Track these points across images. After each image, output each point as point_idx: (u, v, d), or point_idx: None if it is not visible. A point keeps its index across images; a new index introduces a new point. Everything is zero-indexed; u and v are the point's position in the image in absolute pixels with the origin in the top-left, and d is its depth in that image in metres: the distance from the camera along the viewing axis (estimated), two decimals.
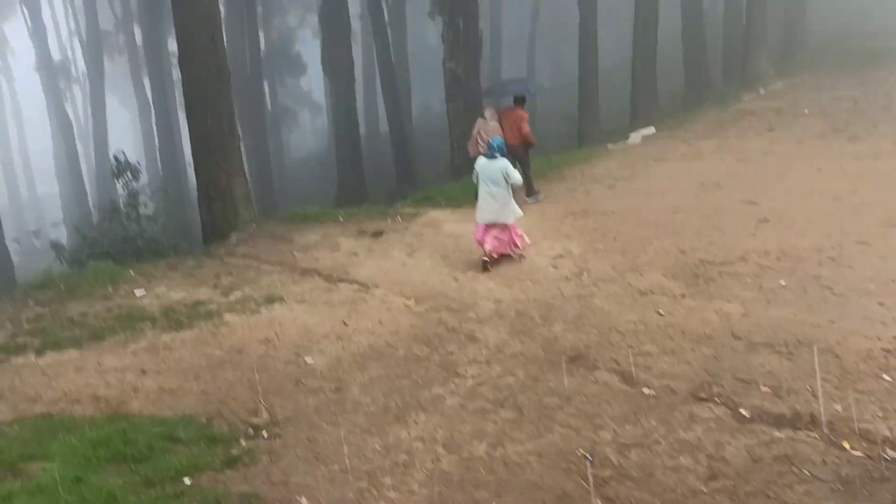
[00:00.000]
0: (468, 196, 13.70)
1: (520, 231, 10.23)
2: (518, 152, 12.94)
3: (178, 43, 11.92)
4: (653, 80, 23.29)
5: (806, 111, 18.83)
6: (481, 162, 10.26)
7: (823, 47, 29.59)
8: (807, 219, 10.74)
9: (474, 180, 10.30)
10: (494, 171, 9.98)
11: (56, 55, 49.87)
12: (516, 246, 10.20)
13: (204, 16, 11.70)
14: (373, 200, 21.00)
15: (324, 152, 47.96)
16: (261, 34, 41.43)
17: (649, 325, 7.79)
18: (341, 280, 9.83)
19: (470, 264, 10.08)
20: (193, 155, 12.32)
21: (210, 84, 11.77)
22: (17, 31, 54.69)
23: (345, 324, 8.32)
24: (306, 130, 59.30)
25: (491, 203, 9.95)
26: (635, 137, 18.46)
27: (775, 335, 7.28)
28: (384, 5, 30.43)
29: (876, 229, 10.04)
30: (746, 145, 16.02)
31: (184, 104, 12.28)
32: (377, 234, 11.64)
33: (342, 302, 9.01)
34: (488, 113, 13.31)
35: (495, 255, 10.01)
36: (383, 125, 41.42)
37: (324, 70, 26.80)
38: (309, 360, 7.48)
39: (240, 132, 12.50)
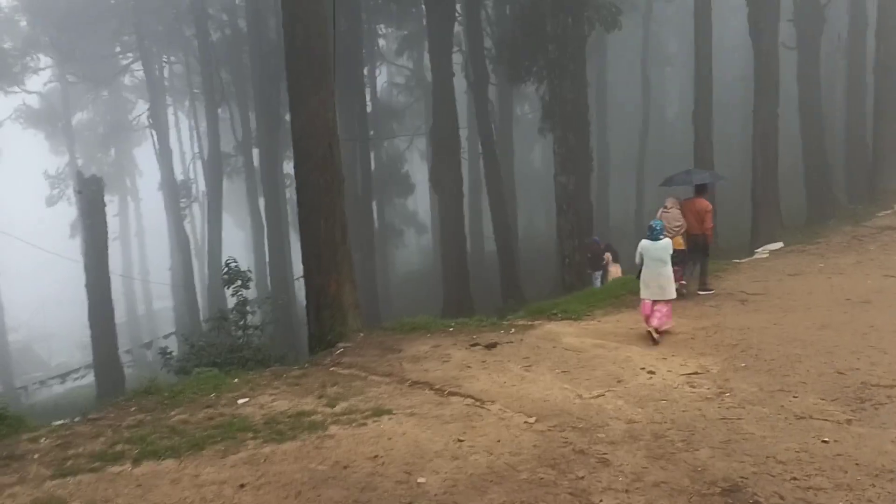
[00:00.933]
0: (586, 308, 12.97)
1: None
2: (699, 242, 13.42)
3: (294, 151, 11.97)
4: (775, 195, 22.30)
5: None
6: (645, 243, 11.14)
7: None
8: None
9: (637, 262, 11.29)
10: (660, 251, 11.00)
11: (179, 176, 52.93)
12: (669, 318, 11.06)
13: (322, 124, 11.74)
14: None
15: (429, 270, 48.30)
16: (371, 154, 42.85)
17: (814, 454, 6.66)
18: (453, 394, 9.09)
19: (595, 380, 9.19)
20: (304, 263, 12.12)
21: (325, 191, 11.67)
22: (146, 153, 58.86)
23: (459, 441, 7.53)
24: (412, 249, 60.20)
25: (657, 280, 10.93)
26: (763, 252, 17.34)
27: None
28: (493, 125, 30.81)
29: None
30: (892, 261, 14.67)
31: (297, 214, 12.20)
32: (491, 345, 10.93)
33: (455, 417, 8.24)
34: (669, 202, 13.46)
35: (660, 331, 10.73)
36: (488, 245, 41.70)
37: (433, 187, 27.06)
38: (421, 480, 6.70)
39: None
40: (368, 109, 41.05)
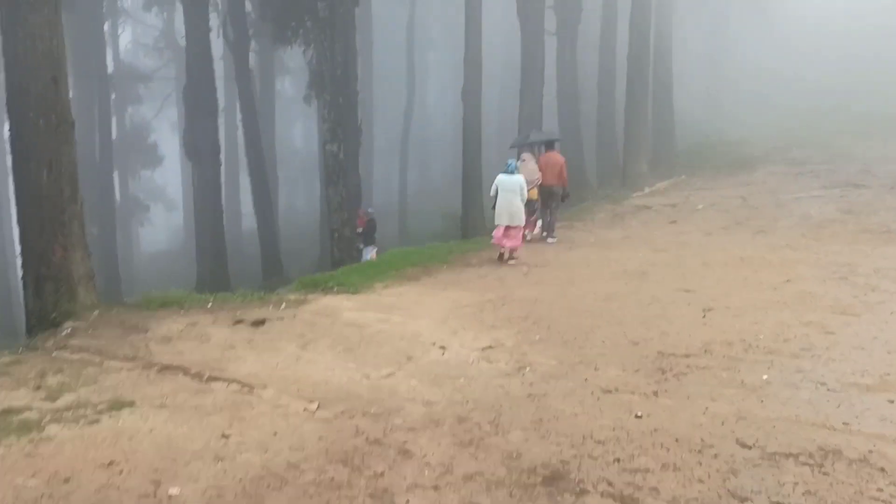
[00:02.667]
0: (365, 281, 11.86)
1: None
2: (555, 192, 15.17)
3: (6, 81, 9.50)
4: None
5: (700, 206, 18.47)
6: (502, 177, 13.28)
7: (692, 152, 30.52)
8: (753, 307, 9.55)
9: (492, 194, 13.40)
10: (514, 184, 13.19)
11: None
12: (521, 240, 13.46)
13: (46, 51, 9.42)
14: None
15: (179, 250, 44.71)
16: (113, 120, 38.64)
17: (631, 431, 6.04)
18: (215, 379, 7.50)
19: (383, 358, 8.05)
20: (20, 223, 9.70)
21: (47, 134, 9.37)
22: None
23: (225, 437, 6.02)
24: (159, 227, 55.53)
25: (509, 208, 13.06)
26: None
27: (790, 442, 5.72)
28: (253, 92, 28.65)
29: (833, 318, 8.97)
30: (654, 235, 15.14)
31: (11, 161, 9.73)
32: (258, 322, 9.40)
33: (219, 407, 6.69)
34: (525, 156, 15.21)
35: (513, 252, 13.20)
36: (246, 222, 39.26)
37: (186, 153, 24.45)
38: (174, 490, 5.13)
39: (82, 197, 10.02)
40: (109, 70, 36.83)
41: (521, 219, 13.16)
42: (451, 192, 42.91)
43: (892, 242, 13.37)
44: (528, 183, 13.94)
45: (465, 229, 23.02)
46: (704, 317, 9.25)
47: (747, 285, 10.74)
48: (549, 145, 16.05)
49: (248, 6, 27.02)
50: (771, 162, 26.16)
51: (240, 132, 31.74)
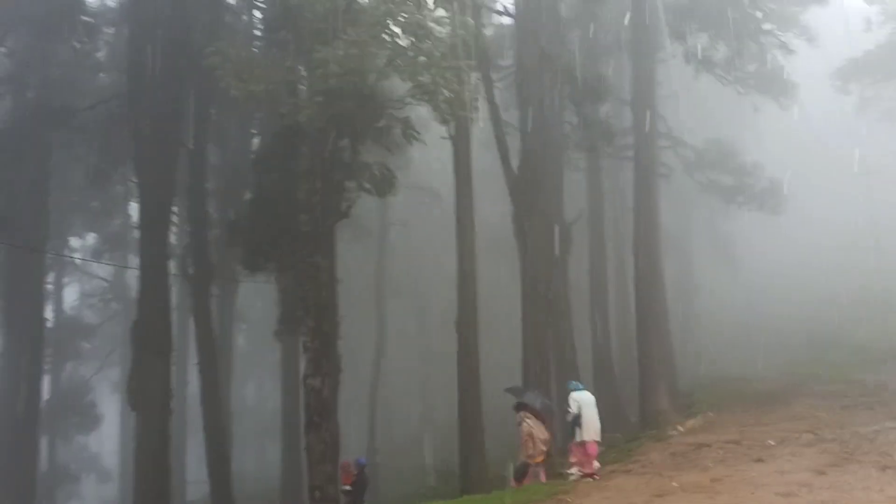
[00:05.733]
0: None
1: None
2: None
3: None
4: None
5: (771, 442, 15.06)
6: (578, 394, 13.60)
7: (699, 388, 27.75)
8: None
9: (574, 410, 13.35)
10: (591, 398, 13.70)
11: None
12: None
13: None
14: None
15: None
16: (47, 379, 34.64)
17: None
18: None
19: None
20: None
21: None
22: None
23: None
24: (89, 501, 48.75)
25: (596, 425, 13.32)
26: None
27: None
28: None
29: None
30: (752, 477, 11.54)
31: None
32: None
33: None
34: (528, 414, 13.89)
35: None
36: (192, 494, 34.16)
37: (129, 400, 20.39)
38: None
39: None
40: (49, 324, 33.43)
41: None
42: (421, 448, 38.91)
43: None
44: (542, 441, 13.66)
45: (466, 484, 19.09)
46: None
47: None
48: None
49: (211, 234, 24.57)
50: (801, 395, 23.28)
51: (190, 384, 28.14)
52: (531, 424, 13.59)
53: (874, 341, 33.57)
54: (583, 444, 13.17)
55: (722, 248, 49.11)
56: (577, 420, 13.24)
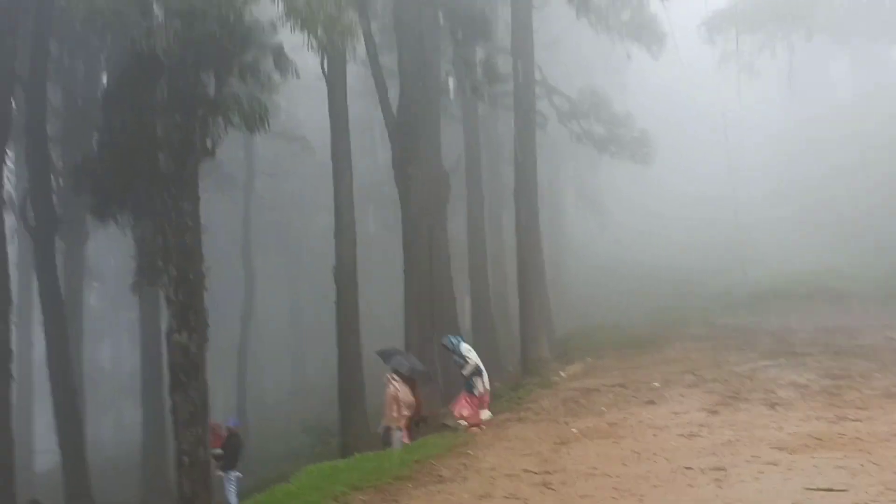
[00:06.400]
0: None
1: None
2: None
3: None
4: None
5: (656, 384, 15.00)
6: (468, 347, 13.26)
7: (572, 336, 27.97)
8: None
9: (475, 361, 12.78)
10: None
11: None
12: None
13: None
14: None
15: None
16: None
17: None
18: None
19: None
20: None
21: None
22: None
23: None
24: None
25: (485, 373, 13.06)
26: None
27: None
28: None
29: None
30: (653, 420, 11.25)
31: None
32: None
33: None
34: (396, 377, 12.95)
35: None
36: (41, 464, 31.53)
37: None
38: None
39: None
40: None
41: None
42: (295, 407, 37.65)
43: None
44: (406, 406, 12.72)
45: (347, 441, 18.28)
46: None
47: None
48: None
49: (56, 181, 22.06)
50: (673, 340, 23.75)
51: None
52: (397, 388, 12.81)
53: (733, 288, 35.23)
54: (481, 395, 12.63)
55: (591, 199, 50.11)
56: (478, 371, 12.59)
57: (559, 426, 11.48)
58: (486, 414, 14.18)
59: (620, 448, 9.29)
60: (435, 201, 21.83)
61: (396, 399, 12.68)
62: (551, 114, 31.21)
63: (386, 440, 13.01)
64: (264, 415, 37.12)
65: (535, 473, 8.31)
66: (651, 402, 12.88)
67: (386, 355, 14.80)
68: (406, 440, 12.56)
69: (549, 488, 7.67)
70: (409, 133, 20.04)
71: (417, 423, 13.52)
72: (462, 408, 12.75)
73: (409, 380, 13.27)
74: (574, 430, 10.95)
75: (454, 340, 12.99)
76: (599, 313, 35.20)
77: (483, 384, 12.77)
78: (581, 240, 49.30)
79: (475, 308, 26.94)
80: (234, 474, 14.07)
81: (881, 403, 10.82)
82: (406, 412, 12.79)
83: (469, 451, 9.80)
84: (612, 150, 31.92)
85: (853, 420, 9.73)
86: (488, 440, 10.73)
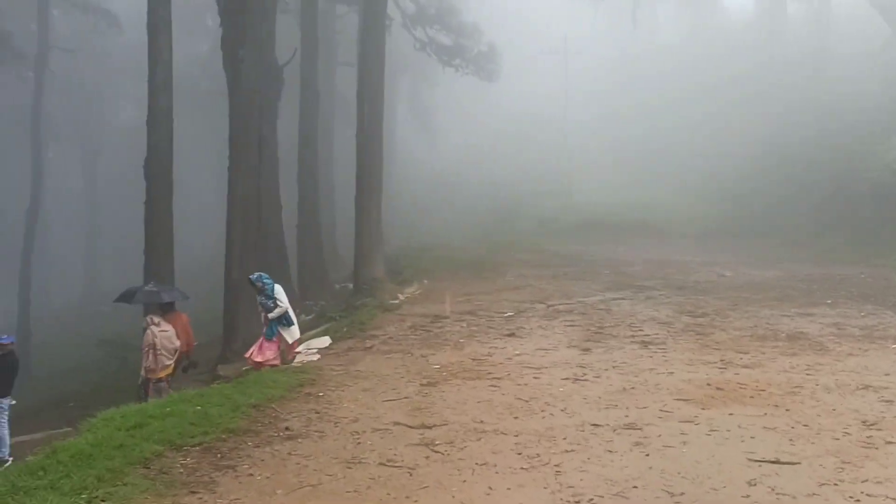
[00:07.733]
0: None
1: None
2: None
3: None
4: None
5: (509, 313, 13.89)
6: (280, 288, 11.14)
7: (400, 257, 26.66)
8: None
9: (285, 304, 10.91)
10: None
11: None
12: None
13: None
14: None
15: None
16: None
17: None
18: None
19: None
20: None
21: None
22: None
23: None
24: None
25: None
26: (310, 354, 11.12)
27: None
28: None
29: None
30: (523, 357, 9.98)
31: None
32: None
33: None
34: (157, 318, 11.49)
35: None
36: None
37: None
38: None
39: None
40: None
41: None
42: (90, 319, 33.81)
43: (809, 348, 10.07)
44: (168, 353, 11.11)
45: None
46: None
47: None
48: (171, 305, 12.42)
49: None
50: (506, 264, 23.10)
51: None
52: (155, 333, 11.08)
53: (559, 213, 35.35)
54: (288, 347, 10.96)
55: (423, 116, 48.52)
56: (287, 318, 10.90)
57: (416, 360, 9.93)
58: (324, 340, 12.43)
59: (502, 393, 7.88)
60: (266, 94, 19.18)
61: (153, 346, 10.89)
62: (396, 15, 28.92)
63: (140, 395, 10.89)
64: (51, 326, 33.12)
65: (411, 428, 6.70)
66: (512, 335, 11.67)
67: (127, 297, 13.10)
68: (165, 394, 10.31)
69: (433, 450, 6.09)
70: (243, 10, 17.15)
71: (186, 369, 12.10)
72: (257, 355, 10.64)
73: (172, 316, 11.73)
74: (436, 365, 9.44)
75: (266, 280, 10.92)
76: (425, 233, 34.26)
77: (292, 335, 10.89)
78: (408, 155, 47.73)
79: (302, 218, 24.69)
80: (7, 401, 11.36)
81: (757, 346, 10.24)
82: (167, 361, 11.01)
83: (319, 393, 7.99)
84: (457, 63, 30.26)
85: (742, 366, 8.97)
86: (338, 377, 8.95)
